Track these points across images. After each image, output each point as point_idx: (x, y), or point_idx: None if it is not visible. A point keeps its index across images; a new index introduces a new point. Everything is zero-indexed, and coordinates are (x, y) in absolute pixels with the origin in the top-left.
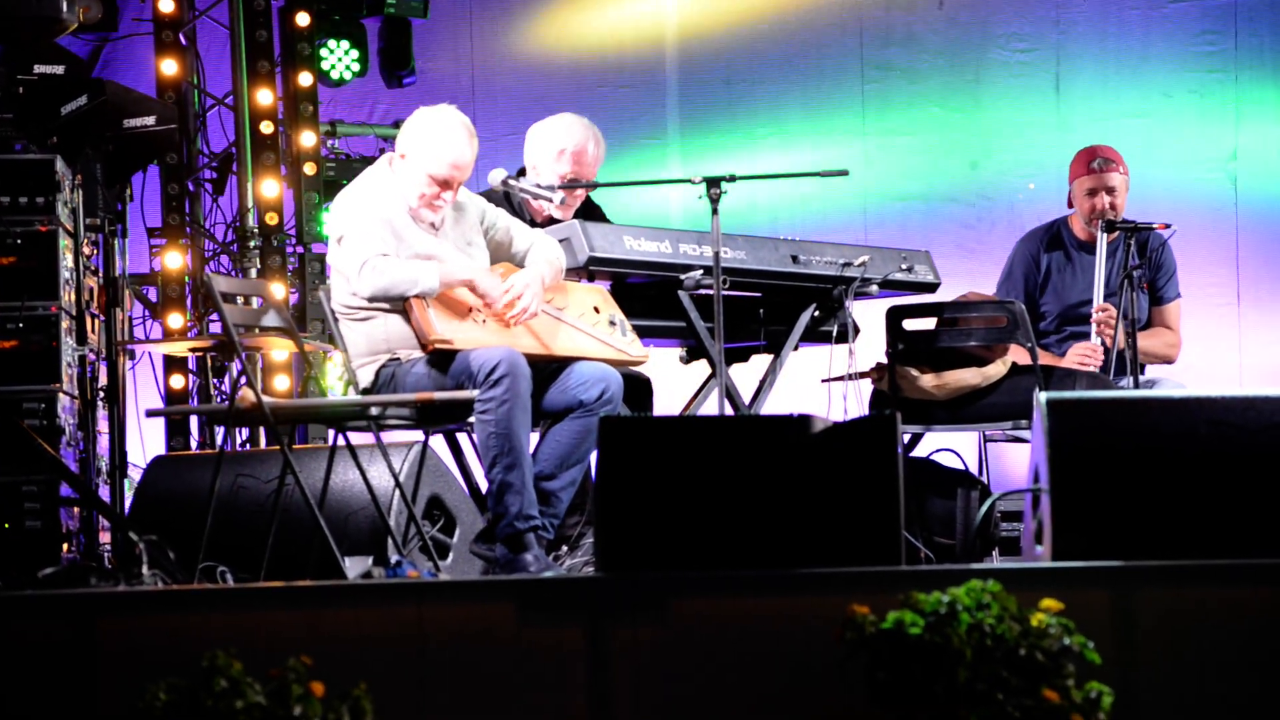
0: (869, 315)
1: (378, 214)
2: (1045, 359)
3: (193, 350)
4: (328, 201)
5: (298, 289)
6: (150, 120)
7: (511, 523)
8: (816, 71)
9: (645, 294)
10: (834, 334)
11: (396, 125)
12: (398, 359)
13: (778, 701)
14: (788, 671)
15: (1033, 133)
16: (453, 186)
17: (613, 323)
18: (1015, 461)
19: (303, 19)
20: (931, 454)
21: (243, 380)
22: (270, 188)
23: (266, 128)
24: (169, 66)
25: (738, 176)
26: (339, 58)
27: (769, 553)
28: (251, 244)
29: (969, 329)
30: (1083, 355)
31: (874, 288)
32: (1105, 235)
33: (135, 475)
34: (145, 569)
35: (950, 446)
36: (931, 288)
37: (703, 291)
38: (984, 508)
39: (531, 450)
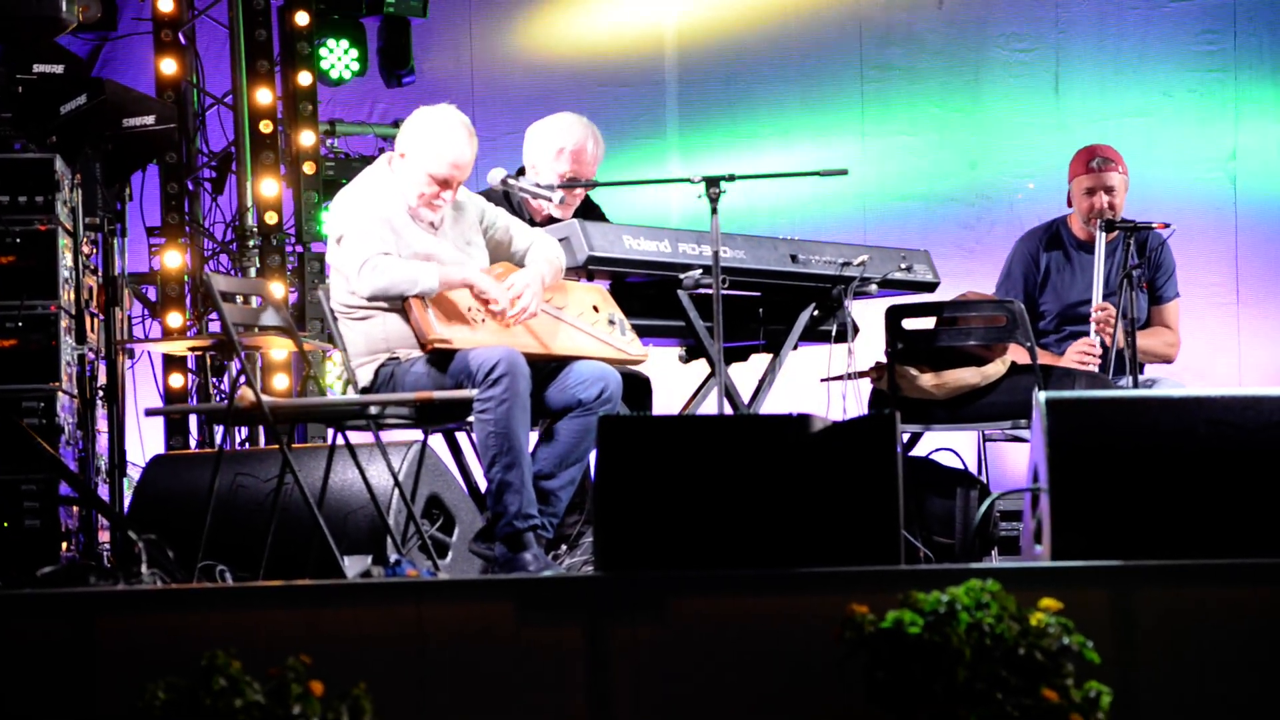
0: (868, 315)
1: (377, 213)
2: (1044, 358)
3: (192, 349)
4: (327, 201)
5: (297, 288)
6: (149, 119)
7: (511, 522)
8: (816, 71)
9: (644, 293)
10: (833, 333)
11: (396, 125)
12: (397, 358)
13: (777, 701)
14: (787, 671)
15: (1032, 132)
16: (452, 186)
17: (612, 322)
18: (1014, 461)
19: (302, 18)
20: (931, 453)
21: (242, 379)
22: (269, 187)
23: (266, 127)
24: (168, 66)
25: (737, 176)
26: (338, 57)
27: (768, 552)
28: (251, 243)
29: (968, 328)
30: (1082, 353)
31: (873, 287)
32: (1104, 234)
33: (134, 474)
34: (144, 568)
35: (949, 446)
36: (931, 287)
37: (702, 291)
38: (983, 507)
39: (531, 449)
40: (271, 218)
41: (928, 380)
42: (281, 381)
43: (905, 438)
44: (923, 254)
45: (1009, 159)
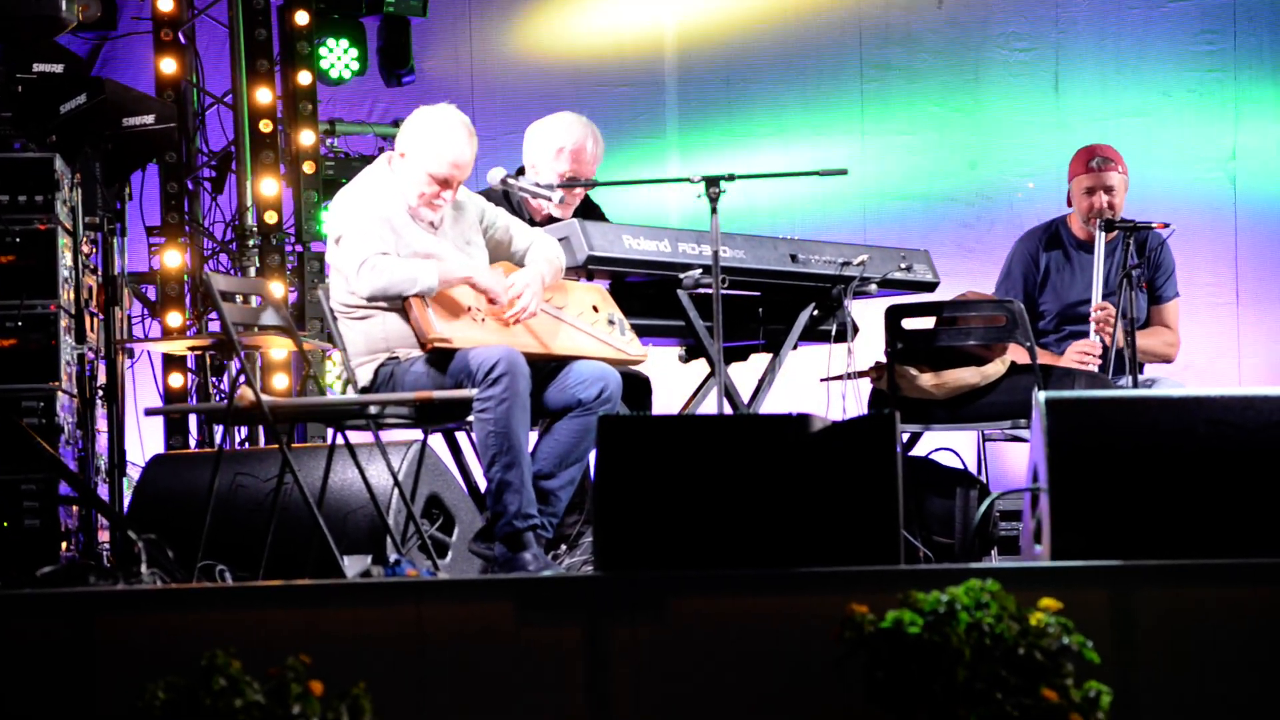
0: (868, 314)
1: (377, 213)
2: (1044, 358)
3: (192, 349)
4: (327, 200)
5: (296, 288)
6: (149, 119)
7: (510, 521)
8: (815, 71)
9: (644, 293)
10: (833, 333)
11: (396, 124)
12: (396, 358)
13: (776, 700)
14: (787, 671)
15: (1032, 132)
16: (452, 185)
17: (611, 321)
18: (1014, 461)
19: (302, 18)
20: (930, 453)
21: (241, 379)
22: (269, 186)
23: (265, 126)
24: (168, 65)
25: (737, 176)
26: (338, 56)
27: (768, 552)
28: (250, 243)
29: (968, 328)
30: (1081, 353)
31: (873, 287)
32: (1104, 234)
33: (134, 474)
34: (144, 568)
35: (949, 445)
36: (930, 287)
37: (701, 290)
38: (983, 507)
39: (530, 449)
40: (271, 217)
41: (927, 380)
42: (281, 381)
43: (905, 437)
44: (922, 254)
45: (1009, 159)
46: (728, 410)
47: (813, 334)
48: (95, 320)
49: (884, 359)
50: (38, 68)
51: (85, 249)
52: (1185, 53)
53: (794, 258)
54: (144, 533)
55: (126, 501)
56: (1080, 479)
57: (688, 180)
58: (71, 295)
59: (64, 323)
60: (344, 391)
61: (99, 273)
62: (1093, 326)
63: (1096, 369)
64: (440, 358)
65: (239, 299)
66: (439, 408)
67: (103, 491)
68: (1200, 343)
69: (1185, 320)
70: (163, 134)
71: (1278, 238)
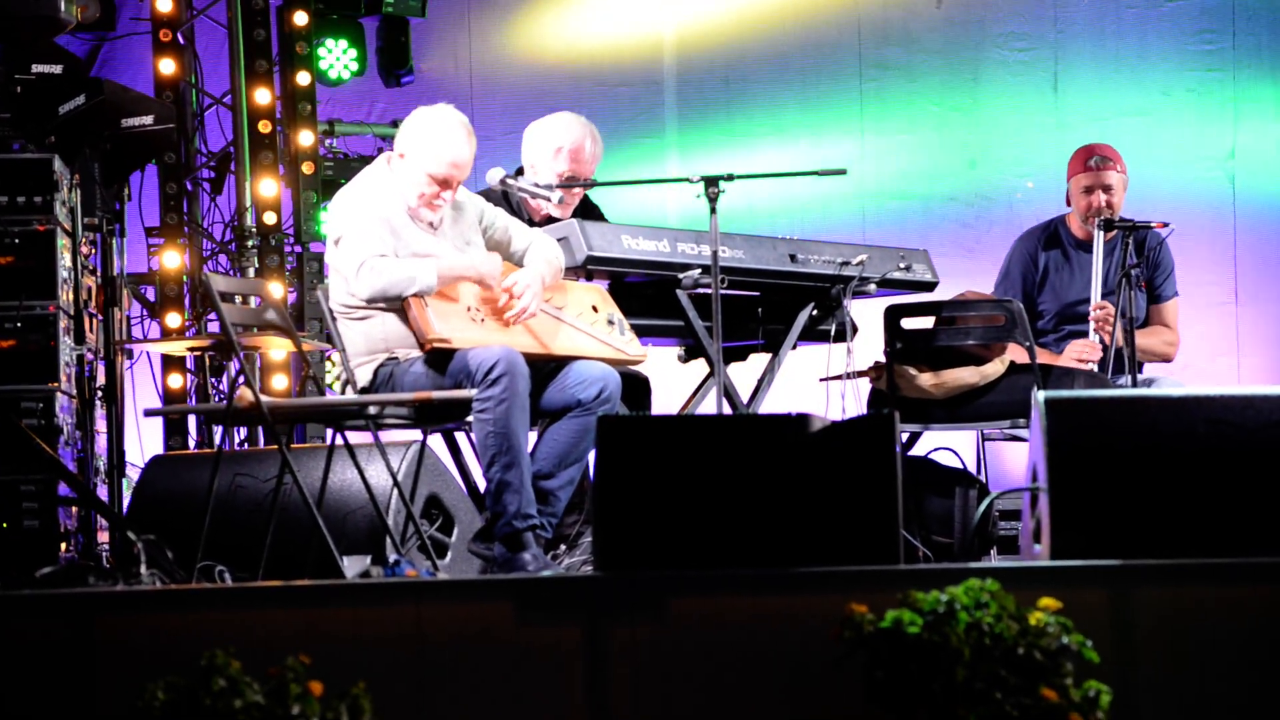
0: (867, 314)
1: (376, 213)
2: (1043, 358)
3: (191, 349)
4: (326, 201)
5: (296, 288)
6: (148, 119)
7: (510, 522)
8: (814, 70)
9: (643, 293)
10: (832, 333)
11: (394, 125)
12: (396, 358)
13: (776, 700)
14: (786, 670)
15: (1031, 131)
16: (451, 186)
17: (611, 322)
18: (1013, 460)
19: (301, 18)
20: (930, 453)
21: (241, 379)
22: (268, 187)
23: (264, 127)
24: (167, 66)
25: (736, 175)
26: (337, 57)
27: (767, 552)
28: (249, 243)
29: (967, 328)
30: (1080, 352)
31: (872, 286)
32: (1103, 233)
33: (133, 475)
34: (143, 568)
35: (948, 445)
36: (930, 286)
37: (701, 290)
38: (982, 506)
39: (530, 449)
40: (270, 218)
41: (926, 380)
42: (280, 381)
43: (904, 437)
44: (921, 253)
45: (1008, 158)
46: (727, 410)
47: (812, 334)
48: (94, 321)
49: (883, 359)
50: (36, 68)
51: (84, 250)
52: (1184, 52)
53: (793, 257)
54: (143, 533)
55: (126, 502)
56: (1079, 478)
57: (687, 180)
58: (70, 296)
59: (63, 324)
60: (343, 392)
61: (98, 274)
62: (1092, 326)
63: (1095, 368)
64: (439, 358)
65: (238, 299)
66: (438, 408)
67: (102, 492)
68: (1199, 342)
69: (1184, 319)
70: (162, 135)
71: (1277, 237)
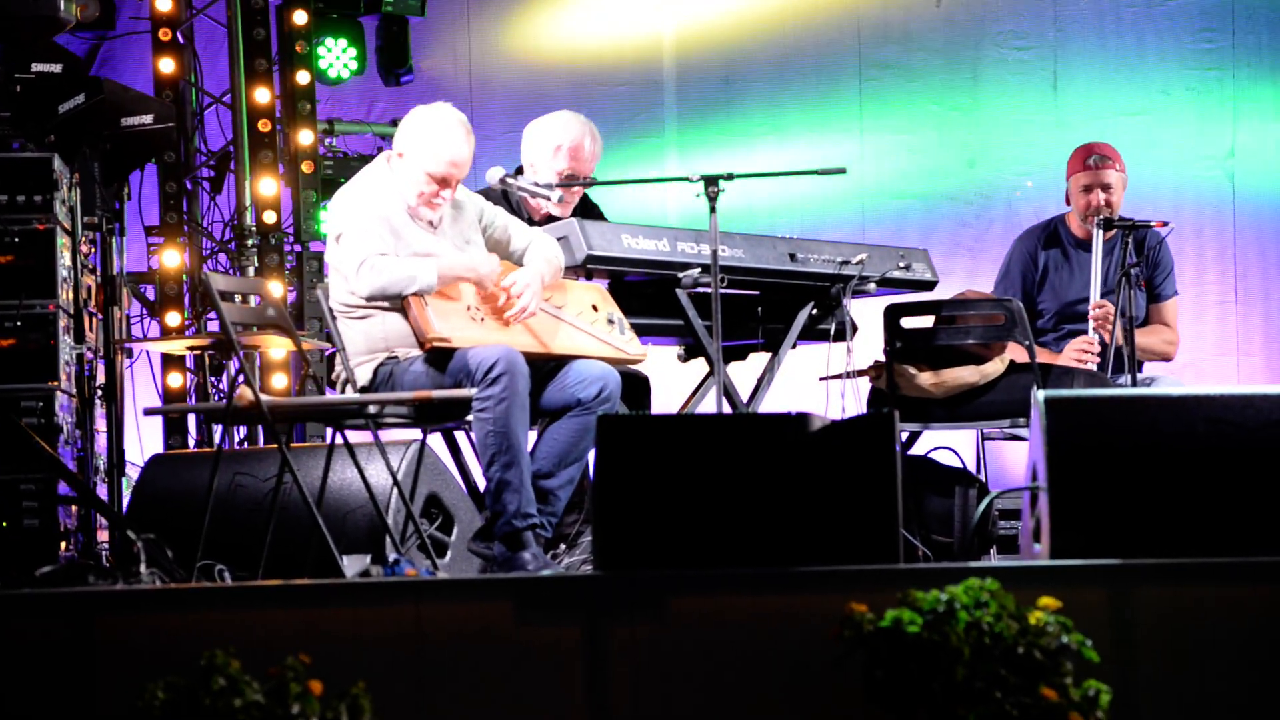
0: (867, 313)
1: (376, 212)
2: (1043, 357)
3: (190, 349)
4: (325, 200)
5: (295, 287)
6: (148, 119)
7: (509, 521)
8: (814, 70)
9: (643, 292)
10: (832, 332)
11: (394, 124)
12: (396, 357)
13: (776, 700)
14: (786, 670)
15: (1030, 130)
16: (451, 184)
17: (611, 321)
18: (1013, 459)
19: (300, 17)
20: (929, 452)
21: (240, 378)
22: (268, 186)
23: (264, 126)
24: (166, 65)
25: (735, 175)
26: (336, 56)
27: (767, 551)
28: (249, 242)
29: (967, 327)
30: (1080, 351)
31: (872, 286)
32: (1102, 232)
33: (133, 474)
34: (143, 567)
35: (948, 444)
36: (929, 286)
37: (700, 290)
38: (982, 506)
39: (529, 448)
40: (270, 217)
41: (926, 379)
42: (280, 381)
43: (904, 436)
44: (921, 252)
45: (1007, 157)
46: (727, 409)
47: (812, 333)
48: (94, 320)
49: (883, 358)
50: (36, 67)
51: (84, 249)
52: (1184, 51)
53: (793, 257)
54: (143, 532)
55: (125, 501)
56: (1079, 478)
57: (686, 179)
58: (70, 295)
59: (63, 323)
60: (343, 391)
61: (98, 273)
62: (1091, 325)
63: (1095, 367)
64: (439, 357)
65: (238, 298)
66: (438, 407)
67: (102, 491)
68: (1199, 341)
69: (1184, 318)
70: (161, 134)
71: (1276, 236)
